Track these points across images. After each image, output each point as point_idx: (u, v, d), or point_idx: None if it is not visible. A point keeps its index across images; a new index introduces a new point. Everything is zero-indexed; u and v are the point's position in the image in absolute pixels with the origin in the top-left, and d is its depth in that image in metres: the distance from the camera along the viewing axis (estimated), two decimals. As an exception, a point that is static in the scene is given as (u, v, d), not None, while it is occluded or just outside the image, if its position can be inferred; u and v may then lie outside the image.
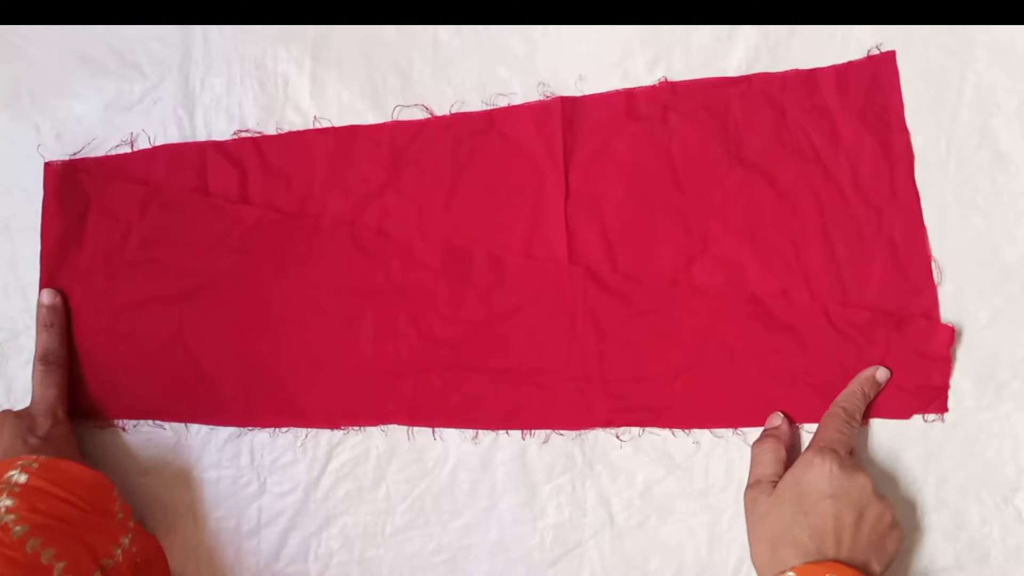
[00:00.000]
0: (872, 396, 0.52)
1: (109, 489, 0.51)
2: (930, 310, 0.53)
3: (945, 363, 0.52)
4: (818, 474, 0.48)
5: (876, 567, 0.47)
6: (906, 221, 0.53)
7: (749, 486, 0.51)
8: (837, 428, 0.50)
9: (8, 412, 0.53)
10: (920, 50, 0.54)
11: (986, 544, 0.53)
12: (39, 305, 0.55)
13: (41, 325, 0.55)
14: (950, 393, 0.53)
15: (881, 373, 0.52)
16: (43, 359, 0.54)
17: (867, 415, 0.53)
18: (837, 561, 0.46)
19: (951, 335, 0.52)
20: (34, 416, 0.53)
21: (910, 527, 0.53)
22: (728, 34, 0.55)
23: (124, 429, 0.56)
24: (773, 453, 0.51)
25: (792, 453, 0.52)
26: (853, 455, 0.52)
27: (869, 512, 0.47)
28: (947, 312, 0.53)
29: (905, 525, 0.53)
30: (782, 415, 0.53)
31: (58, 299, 0.55)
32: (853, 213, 0.53)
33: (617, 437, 0.54)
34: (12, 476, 0.46)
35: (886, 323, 0.52)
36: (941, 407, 0.53)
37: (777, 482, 0.49)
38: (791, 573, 0.45)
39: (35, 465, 0.48)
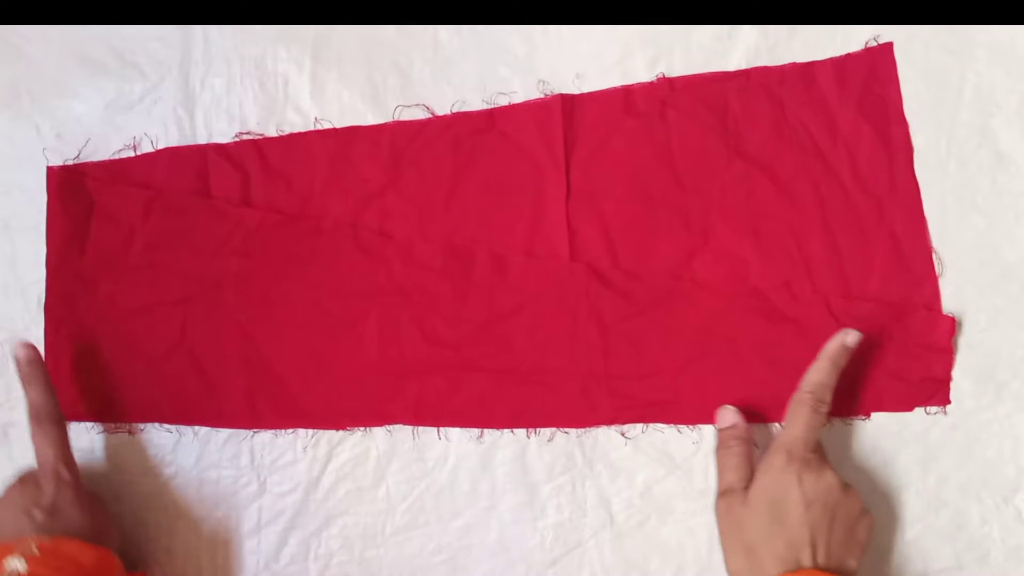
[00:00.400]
0: (843, 364, 0.50)
1: (112, 566, 0.49)
2: (931, 301, 0.53)
3: (947, 354, 0.52)
4: (788, 483, 0.47)
5: (852, 563, 0.47)
6: (906, 212, 0.53)
7: (720, 494, 0.50)
8: (805, 422, 0.48)
9: (13, 483, 0.50)
10: (920, 50, 0.54)
11: (986, 544, 0.53)
12: (17, 361, 0.52)
13: (24, 383, 0.52)
14: (950, 393, 0.53)
15: (851, 337, 0.50)
16: (35, 417, 0.51)
17: (869, 409, 0.53)
18: (815, 568, 0.46)
19: (952, 325, 0.52)
20: (38, 481, 0.50)
21: (910, 527, 0.53)
22: (728, 34, 0.55)
23: (131, 433, 0.56)
24: (738, 457, 0.50)
25: (756, 443, 0.52)
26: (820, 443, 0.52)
27: (840, 510, 0.47)
28: (947, 311, 0.53)
29: (905, 525, 0.53)
30: (733, 409, 0.52)
31: (34, 352, 0.52)
32: (853, 204, 0.54)
33: (622, 435, 0.54)
34: (10, 564, 0.45)
35: (888, 315, 0.52)
36: (943, 399, 0.53)
37: (747, 487, 0.49)
38: None
39: (35, 550, 0.46)
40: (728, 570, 0.49)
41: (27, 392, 0.52)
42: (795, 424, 0.49)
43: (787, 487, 0.47)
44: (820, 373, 0.49)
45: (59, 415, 0.52)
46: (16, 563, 0.45)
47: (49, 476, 0.50)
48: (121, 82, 0.58)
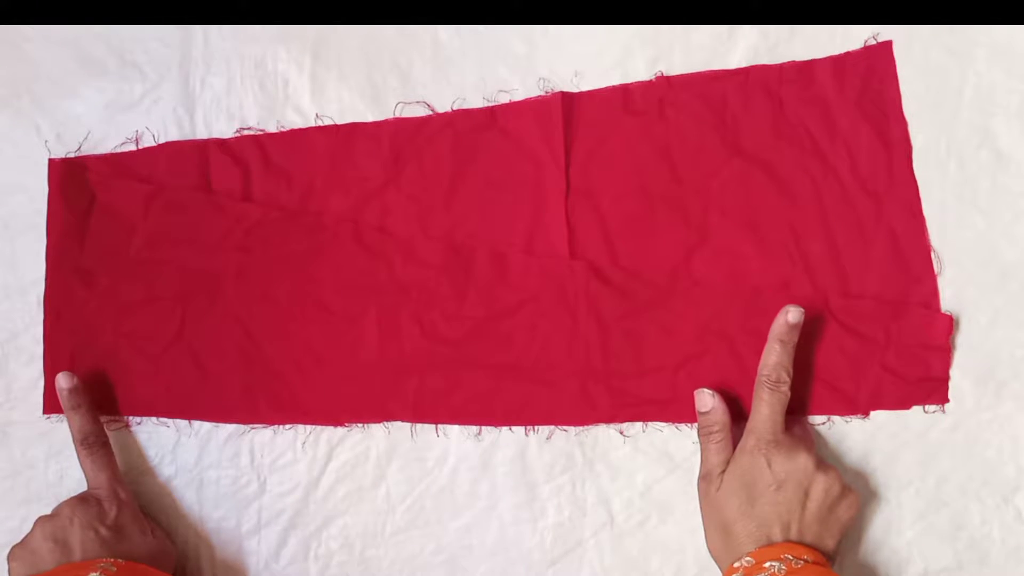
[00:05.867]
0: (794, 340, 0.50)
1: None
2: (930, 299, 0.53)
3: (945, 352, 0.52)
4: (758, 465, 0.48)
5: (828, 540, 0.48)
6: (905, 210, 0.53)
7: (700, 477, 0.51)
8: (767, 403, 0.49)
9: (73, 500, 0.52)
10: (920, 50, 0.54)
11: (986, 544, 0.53)
12: (59, 390, 0.54)
13: (68, 410, 0.54)
14: (950, 393, 0.53)
15: (792, 314, 0.50)
16: (83, 443, 0.53)
17: (868, 408, 0.53)
18: (787, 542, 0.47)
19: (950, 323, 0.52)
20: (100, 501, 0.52)
21: (910, 527, 0.53)
22: (728, 34, 0.55)
23: (127, 425, 0.56)
24: (718, 443, 0.51)
25: (735, 417, 0.52)
26: (807, 428, 0.53)
27: (815, 489, 0.48)
28: (946, 310, 0.53)
29: (905, 525, 0.53)
30: (711, 393, 0.52)
31: (75, 380, 0.54)
32: (852, 202, 0.54)
33: (621, 433, 0.54)
34: None
35: (886, 313, 0.52)
36: (942, 398, 0.53)
37: (725, 470, 0.50)
38: (748, 558, 0.46)
39: (113, 569, 0.48)
40: (709, 551, 0.50)
41: (72, 419, 0.54)
42: (759, 407, 0.50)
43: (758, 469, 0.48)
44: (771, 354, 0.50)
45: (106, 438, 0.54)
46: None
47: (109, 497, 0.52)
48: (121, 82, 0.58)
